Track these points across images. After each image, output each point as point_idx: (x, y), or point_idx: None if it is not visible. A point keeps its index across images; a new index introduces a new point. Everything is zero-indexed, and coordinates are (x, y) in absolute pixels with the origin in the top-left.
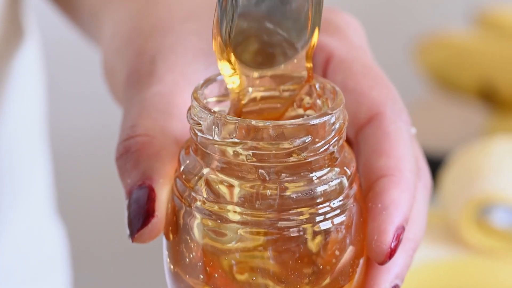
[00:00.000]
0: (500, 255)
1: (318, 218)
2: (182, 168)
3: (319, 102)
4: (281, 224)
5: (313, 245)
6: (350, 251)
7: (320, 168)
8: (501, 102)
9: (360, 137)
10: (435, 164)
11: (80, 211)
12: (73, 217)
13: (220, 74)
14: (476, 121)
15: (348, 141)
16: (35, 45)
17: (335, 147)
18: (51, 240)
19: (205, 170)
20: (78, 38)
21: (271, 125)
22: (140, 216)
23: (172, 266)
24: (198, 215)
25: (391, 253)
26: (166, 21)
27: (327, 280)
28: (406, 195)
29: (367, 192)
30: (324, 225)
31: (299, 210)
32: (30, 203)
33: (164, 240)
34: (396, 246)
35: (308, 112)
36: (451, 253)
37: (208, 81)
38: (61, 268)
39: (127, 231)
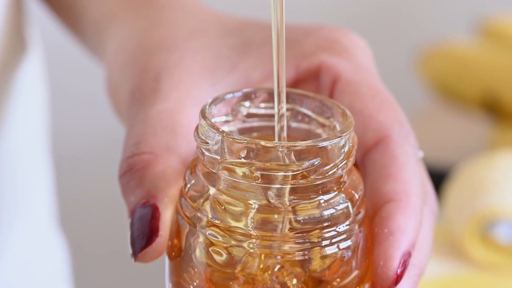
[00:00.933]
0: (504, 270)
1: (324, 242)
2: (187, 187)
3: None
4: (287, 247)
5: (319, 269)
6: (355, 276)
7: (328, 192)
8: (504, 113)
9: (367, 160)
10: (438, 177)
11: (82, 224)
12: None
13: (228, 93)
14: (479, 132)
15: (355, 164)
16: (38, 58)
17: (344, 171)
18: (53, 254)
19: (212, 190)
20: (81, 51)
21: (280, 146)
22: (144, 235)
23: (174, 287)
24: (202, 236)
25: (397, 279)
26: (171, 38)
27: None
28: (413, 220)
29: (374, 217)
30: (330, 250)
31: (305, 233)
32: (33, 217)
33: (167, 260)
34: (402, 272)
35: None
36: (455, 268)
37: (216, 100)
38: (63, 282)
39: (130, 250)
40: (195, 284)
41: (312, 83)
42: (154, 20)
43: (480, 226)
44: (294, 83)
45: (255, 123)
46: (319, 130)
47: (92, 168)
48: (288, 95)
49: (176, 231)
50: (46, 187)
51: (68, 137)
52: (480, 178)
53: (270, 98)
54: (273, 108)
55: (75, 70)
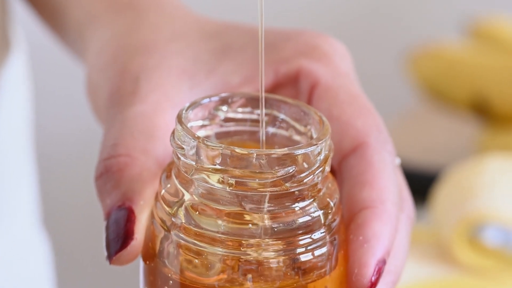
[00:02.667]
0: (492, 274)
1: (299, 250)
2: (163, 192)
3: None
4: (262, 254)
5: (293, 276)
6: (330, 283)
7: (303, 199)
8: (493, 115)
9: (343, 167)
10: (427, 180)
11: (66, 225)
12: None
13: (205, 97)
14: (469, 134)
15: (332, 170)
16: (21, 58)
17: (319, 178)
18: (36, 254)
19: (186, 196)
20: (64, 52)
21: (255, 153)
22: (119, 238)
23: None
24: (176, 241)
25: (371, 286)
26: (151, 40)
27: None
28: (388, 227)
29: (349, 223)
30: (305, 257)
31: (280, 240)
32: (16, 217)
33: (141, 263)
34: (377, 280)
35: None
36: (443, 271)
37: (193, 104)
38: (46, 282)
39: (105, 253)
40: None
41: (291, 88)
42: (135, 23)
43: (469, 229)
44: (273, 88)
45: (233, 127)
46: (296, 137)
47: (76, 168)
48: (266, 101)
49: (151, 235)
50: (29, 187)
51: (52, 137)
52: (469, 181)
53: (247, 102)
54: (250, 112)
55: (59, 70)
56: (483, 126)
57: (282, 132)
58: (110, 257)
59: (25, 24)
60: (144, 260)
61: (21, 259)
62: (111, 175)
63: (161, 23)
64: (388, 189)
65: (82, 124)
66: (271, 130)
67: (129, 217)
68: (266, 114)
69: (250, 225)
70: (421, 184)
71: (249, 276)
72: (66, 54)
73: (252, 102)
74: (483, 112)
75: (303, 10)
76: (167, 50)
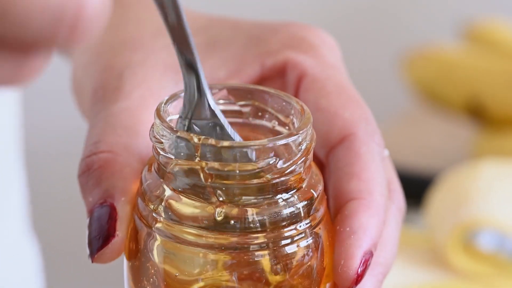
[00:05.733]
0: (487, 279)
1: (284, 242)
2: (143, 187)
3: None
4: (245, 247)
5: (279, 269)
6: (316, 275)
7: (286, 190)
8: (489, 118)
9: (331, 158)
10: (422, 183)
11: (55, 228)
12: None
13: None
14: (464, 137)
15: (320, 161)
16: None
17: (301, 168)
18: (25, 259)
19: (167, 190)
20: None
21: (234, 145)
22: (101, 235)
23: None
24: (158, 237)
25: (358, 278)
26: (136, 36)
27: None
28: (376, 219)
29: (336, 215)
30: (290, 249)
31: (264, 233)
32: (5, 222)
33: (125, 261)
34: (363, 271)
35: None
36: (437, 276)
37: (172, 98)
38: (36, 286)
39: (87, 251)
40: (152, 285)
41: (278, 81)
42: (120, 18)
43: (463, 234)
44: (260, 81)
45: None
46: (279, 128)
47: (65, 171)
48: (248, 91)
49: (133, 231)
50: (18, 192)
51: (41, 140)
52: (464, 187)
53: (228, 94)
54: (232, 104)
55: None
56: (478, 129)
57: (265, 123)
58: (92, 254)
59: None
60: (128, 257)
61: (10, 263)
62: (92, 172)
63: (147, 17)
64: (375, 180)
65: (72, 125)
66: (253, 121)
67: (111, 214)
68: (248, 105)
69: (232, 218)
70: (415, 188)
71: (233, 270)
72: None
73: (233, 93)
74: (479, 115)
75: (299, 11)
76: (152, 46)
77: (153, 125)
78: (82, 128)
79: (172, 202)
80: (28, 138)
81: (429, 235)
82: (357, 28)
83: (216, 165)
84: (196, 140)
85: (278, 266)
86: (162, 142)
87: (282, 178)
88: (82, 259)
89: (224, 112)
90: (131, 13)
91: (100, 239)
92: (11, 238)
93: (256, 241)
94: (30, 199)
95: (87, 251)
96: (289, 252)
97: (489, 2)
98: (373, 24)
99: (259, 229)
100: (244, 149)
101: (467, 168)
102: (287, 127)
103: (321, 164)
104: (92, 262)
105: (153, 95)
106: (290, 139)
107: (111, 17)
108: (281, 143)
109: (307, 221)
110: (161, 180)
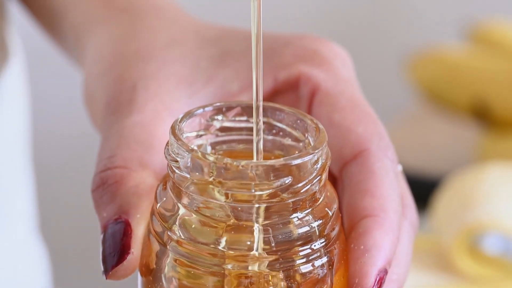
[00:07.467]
0: (492, 282)
1: (299, 261)
2: (158, 205)
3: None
4: (261, 267)
5: None
6: None
7: (301, 209)
8: (494, 120)
9: (344, 174)
10: (427, 186)
11: (63, 233)
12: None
13: (199, 108)
14: (469, 139)
15: (333, 177)
16: (19, 66)
17: (317, 187)
18: (33, 263)
19: (182, 209)
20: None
21: (251, 164)
22: (116, 252)
23: None
24: (172, 255)
25: None
26: (149, 47)
27: None
28: (390, 237)
29: (350, 232)
30: (305, 268)
31: (279, 252)
32: (13, 225)
33: (139, 277)
34: None
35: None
36: (443, 280)
37: (187, 115)
38: None
39: (101, 267)
40: None
41: (291, 95)
42: (132, 28)
43: (469, 238)
44: (272, 94)
45: (229, 137)
46: (294, 145)
47: (74, 175)
48: (263, 109)
49: (147, 249)
50: (26, 194)
51: (50, 144)
52: (469, 190)
53: (243, 111)
54: (247, 121)
55: (57, 76)
56: (483, 131)
57: (279, 140)
58: (107, 272)
59: (22, 29)
60: (142, 274)
61: (18, 265)
62: (107, 187)
63: (159, 28)
64: (389, 197)
65: (80, 130)
66: (268, 138)
67: (126, 231)
68: (262, 123)
69: (247, 238)
70: (421, 191)
71: None
72: (63, 58)
73: (248, 110)
74: (483, 116)
75: (303, 13)
76: (165, 57)
77: (167, 143)
78: (90, 133)
79: (187, 221)
80: (36, 142)
81: (434, 238)
82: (362, 30)
83: (231, 184)
84: (211, 159)
85: (293, 286)
86: (177, 161)
87: (298, 197)
88: (89, 263)
89: (238, 129)
90: (143, 23)
91: (115, 256)
92: (19, 241)
93: (271, 261)
94: (38, 203)
95: (101, 267)
96: (303, 271)
97: (494, 3)
98: (378, 25)
99: (274, 249)
100: (260, 169)
101: (472, 172)
102: (302, 145)
103: (334, 179)
104: (106, 278)
105: (167, 108)
106: (306, 158)
107: (123, 27)
108: (297, 163)
109: (322, 240)
110: (176, 198)
